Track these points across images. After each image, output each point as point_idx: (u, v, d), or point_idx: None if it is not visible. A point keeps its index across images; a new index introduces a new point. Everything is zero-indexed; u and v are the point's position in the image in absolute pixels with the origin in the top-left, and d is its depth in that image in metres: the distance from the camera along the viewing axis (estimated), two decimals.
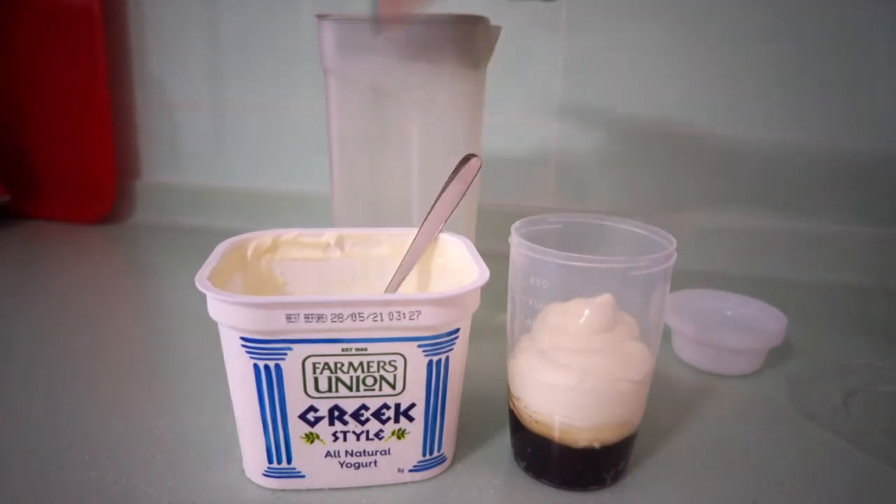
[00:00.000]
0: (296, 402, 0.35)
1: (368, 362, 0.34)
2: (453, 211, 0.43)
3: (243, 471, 0.38)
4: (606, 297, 0.34)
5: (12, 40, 0.85)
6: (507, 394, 0.39)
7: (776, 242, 0.76)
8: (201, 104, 0.87)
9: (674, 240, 0.36)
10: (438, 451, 0.38)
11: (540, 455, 0.37)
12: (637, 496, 0.37)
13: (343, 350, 0.34)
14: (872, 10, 0.68)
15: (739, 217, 0.77)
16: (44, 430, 0.42)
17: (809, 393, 0.48)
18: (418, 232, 0.43)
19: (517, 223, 0.38)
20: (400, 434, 0.36)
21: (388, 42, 0.46)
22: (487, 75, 0.53)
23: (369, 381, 0.35)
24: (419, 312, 0.33)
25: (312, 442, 0.36)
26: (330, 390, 0.35)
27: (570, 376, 0.34)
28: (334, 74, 0.51)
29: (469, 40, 0.49)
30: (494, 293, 0.40)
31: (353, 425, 0.36)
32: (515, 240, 0.36)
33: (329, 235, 0.44)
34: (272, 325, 0.32)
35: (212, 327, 0.34)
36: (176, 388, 0.48)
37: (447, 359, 0.35)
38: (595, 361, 0.34)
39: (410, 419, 0.36)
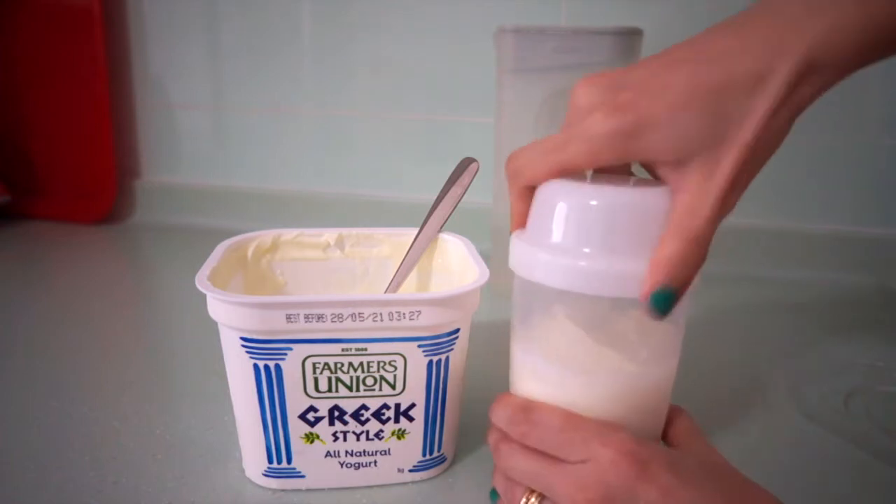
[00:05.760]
0: (296, 402, 0.35)
1: (368, 362, 0.34)
2: (452, 211, 0.43)
3: (243, 471, 0.38)
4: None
5: (12, 40, 0.85)
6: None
7: (776, 242, 0.76)
8: (201, 104, 0.87)
9: None
10: (438, 451, 0.38)
11: None
12: None
13: (343, 350, 0.34)
14: None
15: (739, 217, 0.76)
16: (44, 430, 0.42)
17: (809, 393, 0.48)
18: (418, 232, 0.43)
19: None
20: (400, 434, 0.36)
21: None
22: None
23: (369, 381, 0.35)
24: (419, 312, 0.33)
25: (312, 442, 0.36)
26: (330, 390, 0.34)
27: (573, 379, 0.34)
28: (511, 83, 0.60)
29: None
30: (496, 294, 0.40)
31: (353, 425, 0.36)
32: (516, 240, 0.36)
33: (329, 235, 0.44)
34: (272, 325, 0.32)
35: (212, 327, 0.34)
36: (176, 388, 0.48)
37: (447, 359, 0.35)
38: (601, 360, 0.33)
39: (410, 419, 0.36)
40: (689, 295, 0.32)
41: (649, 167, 0.30)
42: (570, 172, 0.30)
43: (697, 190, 0.28)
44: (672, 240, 0.28)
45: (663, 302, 0.28)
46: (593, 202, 0.29)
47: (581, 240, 0.30)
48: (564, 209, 0.30)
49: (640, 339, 0.33)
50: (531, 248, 0.31)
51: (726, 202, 0.28)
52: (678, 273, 0.28)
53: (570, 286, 0.29)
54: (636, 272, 0.29)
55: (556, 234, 0.30)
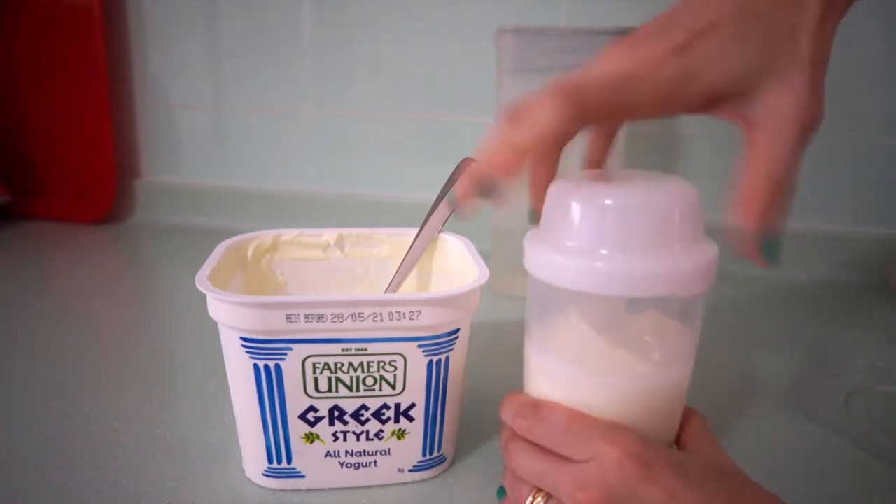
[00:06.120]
0: (296, 403, 0.35)
1: (368, 362, 0.34)
2: (453, 211, 0.43)
3: (243, 471, 0.38)
4: None
5: (12, 40, 0.85)
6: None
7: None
8: (201, 104, 0.87)
9: None
10: (438, 451, 0.38)
11: None
12: None
13: (343, 350, 0.34)
14: (870, 15, 0.68)
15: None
16: (44, 430, 0.42)
17: (809, 393, 0.48)
18: (418, 232, 0.43)
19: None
20: (400, 434, 0.36)
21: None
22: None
23: (369, 381, 0.35)
24: (419, 312, 0.33)
25: (312, 442, 0.36)
26: (330, 390, 0.34)
27: (587, 380, 0.33)
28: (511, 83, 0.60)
29: None
30: (496, 294, 0.40)
31: (353, 425, 0.36)
32: (530, 241, 0.35)
33: (329, 235, 0.44)
34: (272, 325, 0.32)
35: (212, 327, 0.34)
36: (176, 388, 0.48)
37: (447, 359, 0.35)
38: (615, 361, 0.33)
39: (410, 419, 0.36)
40: (704, 298, 0.32)
41: (712, 109, 0.30)
42: (626, 116, 0.30)
43: (774, 123, 0.29)
44: (759, 184, 0.29)
45: (772, 250, 0.30)
46: (608, 202, 0.29)
47: (596, 240, 0.29)
48: (579, 209, 0.30)
49: (654, 340, 0.33)
50: (546, 248, 0.31)
51: (810, 124, 0.29)
52: (773, 216, 0.29)
53: (585, 287, 0.29)
54: (652, 272, 0.29)
55: (572, 235, 0.30)
